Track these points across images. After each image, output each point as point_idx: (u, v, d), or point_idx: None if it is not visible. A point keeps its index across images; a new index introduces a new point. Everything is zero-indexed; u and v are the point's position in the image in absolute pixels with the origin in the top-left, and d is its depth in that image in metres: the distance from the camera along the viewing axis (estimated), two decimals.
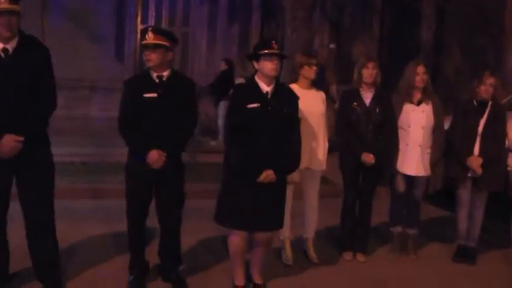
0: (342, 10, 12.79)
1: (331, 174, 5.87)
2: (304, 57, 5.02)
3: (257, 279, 4.45)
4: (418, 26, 13.12)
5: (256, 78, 4.19)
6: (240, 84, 4.38)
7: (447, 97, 9.12)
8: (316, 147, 4.99)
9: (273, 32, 11.63)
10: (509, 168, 5.32)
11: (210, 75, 11.84)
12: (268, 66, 4.09)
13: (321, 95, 5.14)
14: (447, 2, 13.21)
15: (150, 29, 4.22)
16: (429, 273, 5.12)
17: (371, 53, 10.85)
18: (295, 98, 4.32)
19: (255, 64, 4.18)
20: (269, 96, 4.15)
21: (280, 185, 4.21)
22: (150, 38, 4.11)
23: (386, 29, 13.06)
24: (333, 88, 9.98)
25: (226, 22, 12.37)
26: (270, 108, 4.11)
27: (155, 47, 4.12)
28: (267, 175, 4.05)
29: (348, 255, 5.27)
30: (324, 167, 5.10)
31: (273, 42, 4.18)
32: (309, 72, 4.94)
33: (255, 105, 4.08)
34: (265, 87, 4.16)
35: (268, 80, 4.16)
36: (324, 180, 6.03)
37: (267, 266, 4.70)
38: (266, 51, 4.09)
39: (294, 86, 4.87)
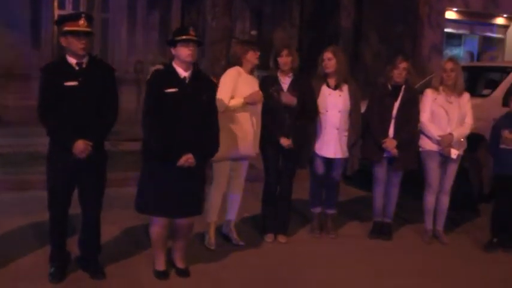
0: None
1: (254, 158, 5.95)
2: (247, 46, 5.13)
3: (180, 264, 4.49)
4: (337, 13, 13.40)
5: (174, 64, 4.22)
6: (158, 70, 4.36)
7: (366, 82, 9.43)
8: (256, 132, 5.09)
9: (194, 19, 11.58)
10: (420, 149, 5.58)
11: (131, 62, 11.67)
12: (184, 52, 4.12)
13: (256, 79, 5.24)
14: None
15: (83, 15, 4.10)
16: (347, 250, 5.32)
17: (292, 40, 11.06)
18: (212, 83, 4.39)
19: (173, 50, 4.21)
20: (187, 82, 4.18)
21: (199, 170, 4.25)
22: (83, 25, 4.03)
23: (307, 15, 13.27)
24: (256, 74, 10.06)
25: (146, 8, 12.19)
26: (188, 93, 4.14)
27: (88, 34, 4.06)
28: (187, 159, 4.09)
29: (269, 237, 5.38)
30: (257, 151, 5.20)
31: (191, 28, 4.23)
32: (253, 57, 5.04)
33: (173, 90, 4.11)
34: (183, 73, 4.19)
35: (186, 66, 4.19)
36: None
37: (190, 250, 4.75)
38: (183, 37, 4.13)
39: (240, 70, 5.00)
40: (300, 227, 5.79)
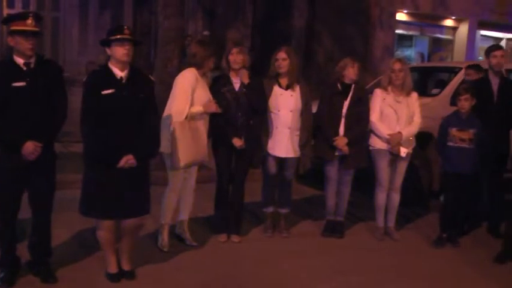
0: None
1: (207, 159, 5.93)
2: (208, 49, 5.06)
3: (125, 266, 4.43)
4: (290, 13, 13.50)
5: (110, 64, 4.16)
6: (94, 71, 4.30)
7: (319, 82, 9.52)
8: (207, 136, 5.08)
9: (146, 19, 11.50)
10: (371, 148, 5.67)
11: (82, 63, 11.49)
12: (120, 51, 4.07)
13: (208, 82, 5.23)
14: None
15: (31, 15, 4.01)
16: (300, 249, 5.35)
17: (245, 39, 11.07)
18: (150, 82, 4.34)
19: (108, 50, 4.15)
20: (123, 82, 4.13)
21: (141, 170, 4.22)
22: (30, 24, 3.94)
23: (260, 15, 13.32)
24: (207, 75, 10.04)
25: (98, 8, 12.03)
26: (125, 93, 4.09)
27: (36, 34, 3.99)
28: (127, 160, 4.05)
29: (222, 237, 5.38)
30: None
31: (126, 27, 4.18)
32: (211, 62, 5.05)
33: (109, 91, 4.05)
34: (119, 73, 4.13)
35: (122, 66, 4.13)
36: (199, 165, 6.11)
37: (143, 251, 4.73)
38: (118, 37, 4.08)
39: (195, 71, 4.96)
40: (253, 227, 5.81)
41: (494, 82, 5.99)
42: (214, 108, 4.95)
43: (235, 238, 5.39)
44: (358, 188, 6.00)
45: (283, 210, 5.70)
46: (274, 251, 5.25)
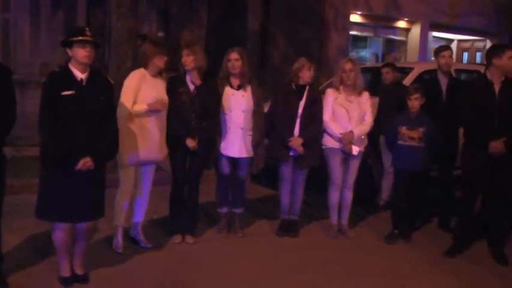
0: None
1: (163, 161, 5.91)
2: (154, 48, 5.03)
3: (79, 270, 4.38)
4: (245, 15, 13.54)
5: (70, 66, 4.12)
6: (53, 72, 4.25)
7: (274, 83, 9.57)
8: (162, 136, 5.05)
9: (99, 19, 11.36)
10: (323, 147, 5.75)
11: (34, 65, 11.28)
12: (81, 53, 4.04)
13: (164, 82, 5.20)
14: None
15: None
16: (255, 248, 5.39)
17: (200, 41, 11.05)
18: (110, 85, 4.32)
19: (69, 51, 4.11)
20: (84, 83, 4.10)
21: (98, 173, 4.19)
22: None
23: (215, 17, 13.32)
24: (164, 76, 9.99)
25: (50, 8, 11.79)
26: (85, 95, 4.06)
27: None
28: (84, 162, 4.02)
29: (177, 238, 5.37)
30: (165, 154, 5.16)
31: (87, 29, 4.16)
32: (160, 61, 4.99)
33: (69, 92, 4.02)
34: (80, 75, 4.10)
35: (82, 67, 4.10)
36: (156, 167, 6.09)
37: (98, 254, 4.70)
38: (80, 38, 4.05)
39: (145, 72, 4.94)
40: (208, 227, 5.82)
41: (443, 82, 6.15)
42: (159, 106, 4.90)
43: (189, 239, 5.39)
44: (312, 186, 6.06)
45: (238, 210, 5.73)
46: (229, 251, 5.27)
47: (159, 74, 5.12)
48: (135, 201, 5.21)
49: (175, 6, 12.90)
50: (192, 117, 5.16)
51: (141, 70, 5.00)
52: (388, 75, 6.88)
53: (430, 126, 5.64)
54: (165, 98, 5.04)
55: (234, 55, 5.39)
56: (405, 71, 8.25)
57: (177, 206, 5.39)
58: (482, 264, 5.21)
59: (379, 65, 11.48)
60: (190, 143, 5.13)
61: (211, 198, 5.89)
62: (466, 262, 5.28)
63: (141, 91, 4.85)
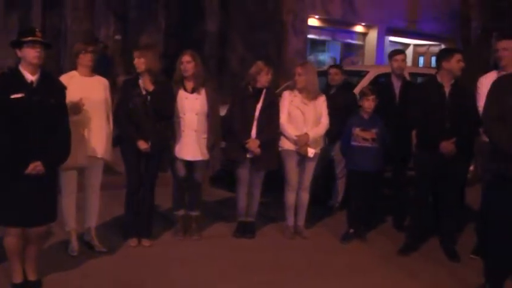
0: (126, 1, 12.73)
1: (118, 164, 5.87)
2: (80, 45, 5.01)
3: (31, 276, 4.29)
4: (203, 19, 13.55)
5: (21, 68, 4.06)
6: (2, 73, 4.17)
7: (233, 87, 9.59)
8: (98, 135, 4.98)
9: (55, 21, 11.20)
10: (280, 149, 5.80)
11: None
12: (31, 53, 3.99)
13: (104, 81, 5.14)
14: None
15: None
16: (211, 250, 5.39)
17: (158, 45, 11.01)
18: (62, 87, 4.26)
19: (18, 52, 4.05)
20: (34, 86, 4.03)
21: (49, 177, 4.13)
22: None
23: (173, 21, 13.29)
24: (120, 79, 9.95)
25: (4, 9, 11.58)
26: (35, 98, 3.99)
27: None
28: (34, 166, 3.95)
29: (133, 242, 5.33)
30: (107, 154, 5.10)
31: (37, 30, 4.12)
32: (84, 59, 4.92)
33: (19, 95, 3.94)
34: (30, 77, 4.03)
35: (33, 69, 4.04)
36: (110, 170, 6.04)
37: (52, 259, 4.64)
38: (30, 39, 4.00)
39: (74, 74, 4.88)
40: (164, 230, 5.78)
41: (397, 85, 6.28)
42: (74, 110, 4.66)
43: (146, 242, 5.36)
44: (269, 188, 6.10)
45: (194, 213, 5.72)
46: (186, 254, 5.25)
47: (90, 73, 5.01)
48: (85, 205, 5.16)
49: (133, 9, 12.84)
50: (144, 120, 5.14)
51: (71, 72, 4.95)
52: (336, 77, 6.93)
53: (383, 127, 5.75)
54: (97, 96, 4.94)
55: (186, 58, 5.40)
56: (361, 75, 8.39)
57: (132, 209, 5.35)
58: (435, 261, 5.34)
59: None
60: (142, 145, 5.10)
61: (167, 201, 5.87)
62: (420, 259, 5.40)
63: (68, 94, 4.55)
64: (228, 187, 7.29)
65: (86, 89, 4.85)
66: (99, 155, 5.03)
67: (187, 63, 5.38)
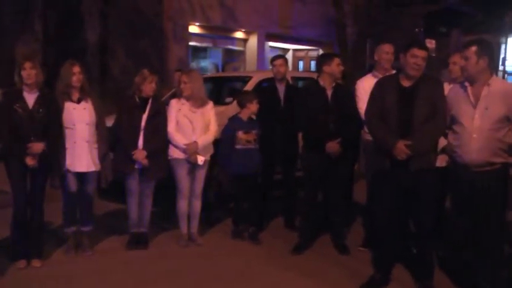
0: None
1: (4, 183, 5.57)
2: None
3: None
4: (82, 28, 13.19)
5: None
6: None
7: (116, 96, 9.40)
8: None
9: None
10: (169, 158, 5.77)
11: None
12: None
13: None
14: (109, 5, 13.55)
15: None
16: (105, 265, 5.26)
17: (34, 54, 10.56)
18: None
19: None
20: None
21: None
22: None
23: (51, 29, 12.81)
24: None
25: None
26: None
27: None
28: None
29: (21, 264, 5.08)
30: None
31: None
32: None
33: None
34: None
35: None
36: None
37: None
38: None
39: None
40: (55, 249, 5.57)
41: (281, 89, 6.47)
42: None
43: (36, 263, 5.13)
44: (161, 197, 6.06)
45: (86, 228, 5.55)
46: (78, 271, 5.10)
47: None
48: None
49: (7, 17, 12.20)
50: (31, 134, 4.93)
51: None
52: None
53: (259, 128, 5.96)
54: None
55: (77, 68, 5.27)
56: (245, 80, 8.55)
57: (20, 229, 5.10)
58: (327, 257, 5.56)
59: (220, 75, 11.76)
60: (30, 161, 4.90)
61: (56, 218, 5.66)
62: (313, 256, 5.61)
63: None
64: (117, 198, 7.15)
65: None
66: None
67: (79, 74, 5.25)
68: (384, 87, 4.68)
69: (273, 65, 6.51)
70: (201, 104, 5.79)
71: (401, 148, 4.40)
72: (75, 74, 5.25)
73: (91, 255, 5.48)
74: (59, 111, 5.18)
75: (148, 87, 5.59)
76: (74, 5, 13.15)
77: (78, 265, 5.25)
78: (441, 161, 4.91)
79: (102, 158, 5.44)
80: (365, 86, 5.52)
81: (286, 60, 6.65)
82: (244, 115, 5.91)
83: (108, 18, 13.37)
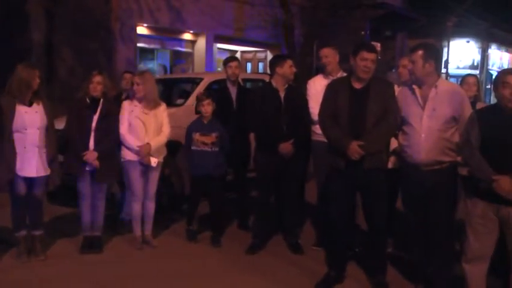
0: None
1: None
2: None
3: None
4: (27, 28, 12.88)
5: None
6: None
7: (62, 97, 9.25)
8: None
9: None
10: (122, 160, 5.75)
11: None
12: None
13: None
14: (55, 4, 13.28)
15: None
16: (59, 270, 5.18)
17: None
18: None
19: None
20: None
21: None
22: None
23: None
24: None
25: None
26: None
27: None
28: None
29: None
30: None
31: None
32: None
33: None
34: None
35: None
36: None
37: None
38: None
39: None
40: (5, 254, 5.44)
41: (233, 91, 6.52)
42: None
43: None
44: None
45: (37, 232, 5.43)
46: (31, 276, 5.00)
47: None
48: None
49: None
50: None
51: None
52: (127, 80, 7.02)
53: (223, 131, 5.96)
54: None
55: (37, 72, 5.20)
56: (195, 82, 8.55)
57: None
58: (281, 256, 5.63)
59: (171, 76, 11.73)
60: None
61: (5, 223, 5.52)
62: (267, 256, 5.67)
63: None
64: (67, 202, 7.04)
65: None
66: None
67: (38, 77, 5.18)
68: (336, 89, 4.79)
69: (228, 67, 6.55)
70: (154, 105, 5.78)
71: (355, 148, 4.51)
72: (35, 78, 5.17)
73: (44, 260, 5.37)
74: (8, 116, 5.04)
75: (99, 88, 5.54)
76: (18, 3, 12.82)
77: (31, 270, 5.13)
78: (390, 163, 5.09)
79: (50, 162, 5.34)
80: (316, 85, 5.66)
81: (239, 62, 6.71)
82: (205, 118, 5.93)
83: (54, 18, 13.09)
